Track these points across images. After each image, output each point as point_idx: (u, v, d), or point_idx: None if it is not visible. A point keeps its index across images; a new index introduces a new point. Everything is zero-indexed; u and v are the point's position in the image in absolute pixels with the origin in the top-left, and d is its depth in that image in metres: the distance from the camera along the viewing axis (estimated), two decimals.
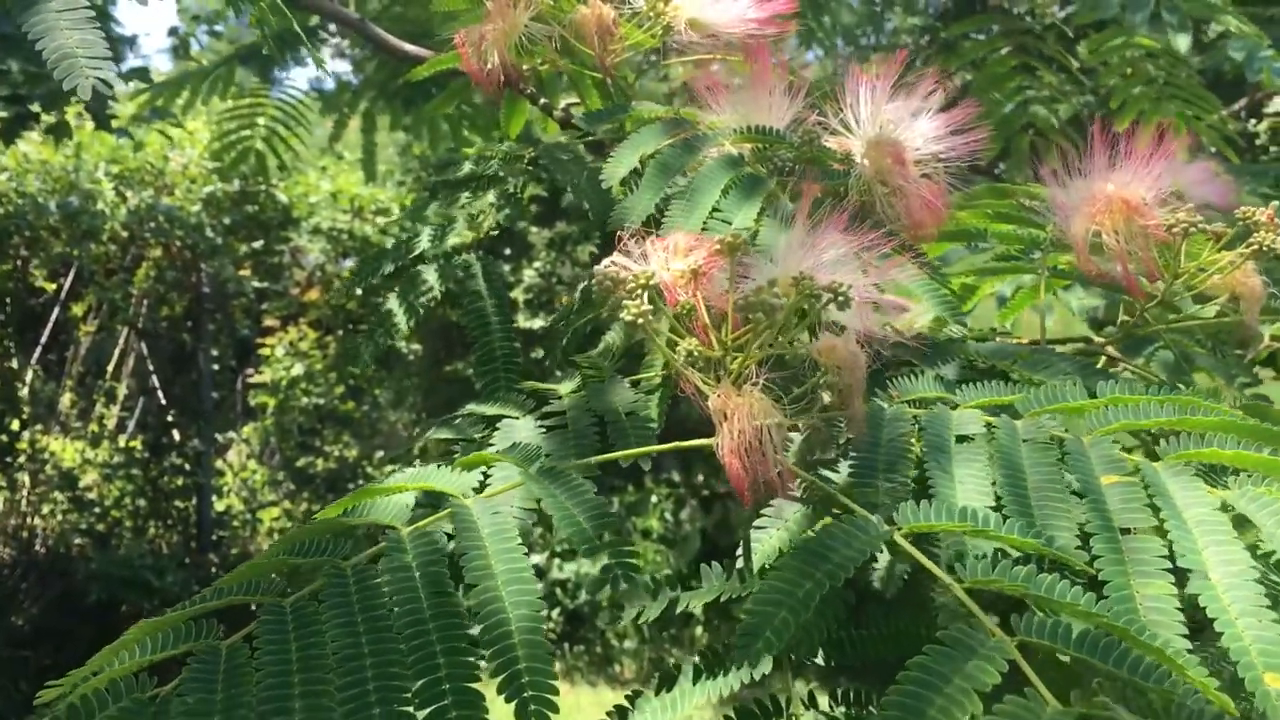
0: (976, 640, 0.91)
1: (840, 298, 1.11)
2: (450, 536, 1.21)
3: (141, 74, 5.98)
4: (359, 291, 10.01)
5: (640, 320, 1.15)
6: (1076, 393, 1.22)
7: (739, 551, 1.42)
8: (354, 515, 1.24)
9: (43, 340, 8.23)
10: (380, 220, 10.10)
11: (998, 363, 1.39)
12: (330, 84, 4.05)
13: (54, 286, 8.30)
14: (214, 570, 8.59)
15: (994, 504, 1.12)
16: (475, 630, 1.09)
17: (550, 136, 2.56)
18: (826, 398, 1.15)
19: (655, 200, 1.49)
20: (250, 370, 9.90)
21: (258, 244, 9.67)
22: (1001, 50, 3.84)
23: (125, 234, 8.38)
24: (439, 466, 1.30)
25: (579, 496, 1.18)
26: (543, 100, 2.16)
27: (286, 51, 3.40)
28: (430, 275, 1.93)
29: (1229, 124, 3.51)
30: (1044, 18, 4.04)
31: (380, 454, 10.22)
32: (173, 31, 9.60)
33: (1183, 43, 2.65)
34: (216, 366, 9.47)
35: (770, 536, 1.30)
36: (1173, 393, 1.25)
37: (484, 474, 1.29)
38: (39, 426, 8.05)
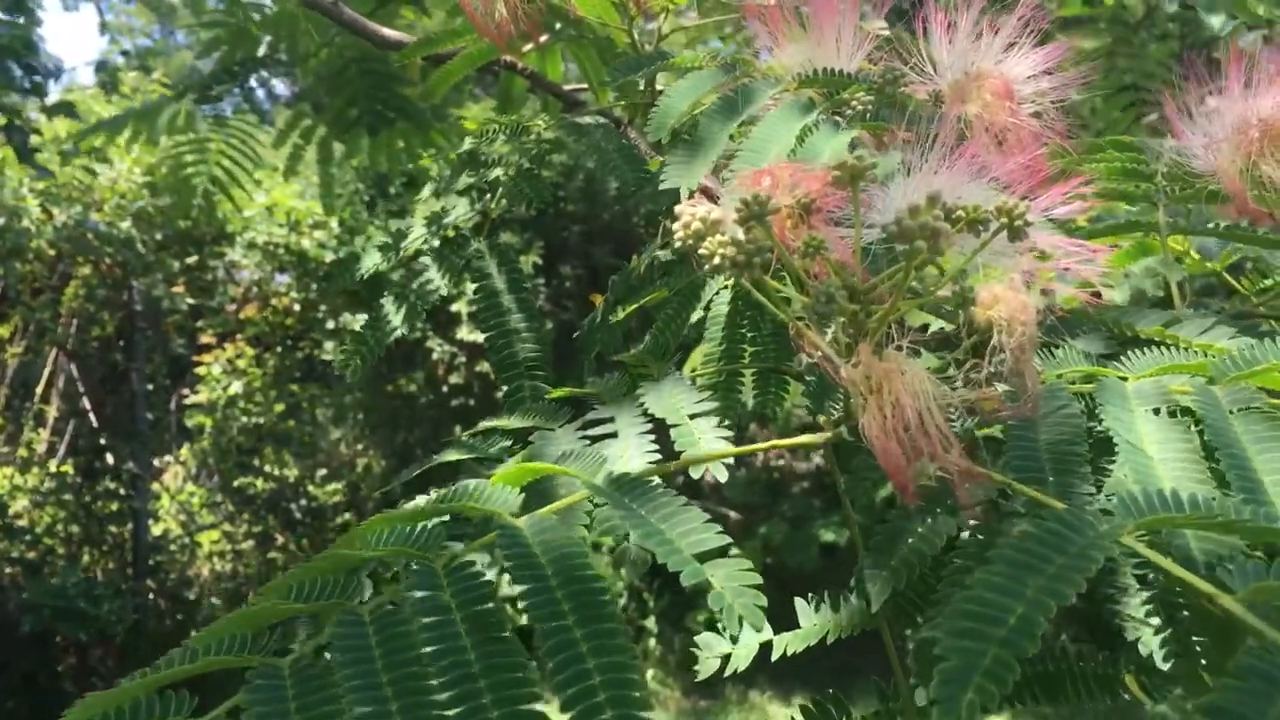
0: None
1: (1015, 220, 0.86)
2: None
3: (68, 109, 5.61)
4: (298, 307, 9.70)
5: (755, 260, 0.88)
6: (1278, 351, 0.97)
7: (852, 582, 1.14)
8: (368, 546, 0.95)
9: None
10: (318, 234, 9.75)
11: (1143, 330, 1.15)
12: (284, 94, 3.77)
13: None
14: (151, 597, 8.26)
15: (1215, 492, 0.88)
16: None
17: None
18: (985, 366, 0.89)
19: (714, 157, 1.22)
20: (185, 390, 9.52)
21: (191, 260, 9.32)
22: None
23: (53, 252, 8.04)
24: (467, 484, 1.03)
25: (667, 509, 0.91)
26: (546, 81, 1.89)
27: (274, 34, 3.11)
28: (431, 268, 1.64)
29: None
30: None
31: (322, 472, 9.89)
32: (101, 66, 9.26)
33: (1216, 20, 2.44)
34: (150, 386, 9.13)
35: (887, 561, 1.03)
36: None
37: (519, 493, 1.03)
38: None
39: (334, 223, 9.79)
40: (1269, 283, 1.54)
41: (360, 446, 10.42)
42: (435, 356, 9.67)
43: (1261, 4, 2.76)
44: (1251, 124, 1.20)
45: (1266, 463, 0.87)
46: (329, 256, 9.68)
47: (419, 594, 0.88)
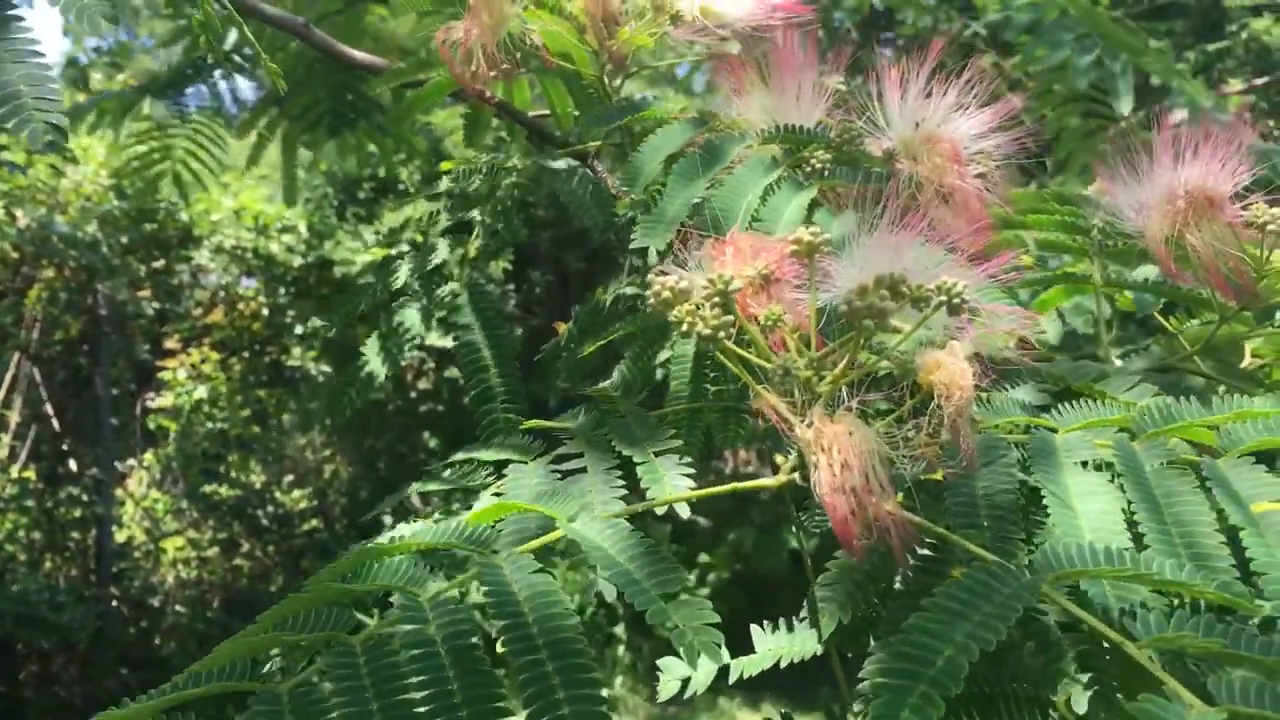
0: (1174, 713, 0.75)
1: (954, 299, 0.95)
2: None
3: None
4: (265, 311, 9.67)
5: (720, 334, 0.97)
6: (1193, 410, 1.08)
7: (803, 612, 1.23)
8: (354, 581, 1.03)
9: None
10: (286, 238, 9.72)
11: (1074, 383, 1.24)
12: (251, 98, 3.77)
13: None
14: (115, 604, 8.20)
15: (1130, 543, 0.97)
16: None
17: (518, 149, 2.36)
18: (926, 425, 0.98)
19: (683, 213, 1.31)
20: (150, 394, 9.45)
21: (157, 263, 9.25)
22: None
23: (15, 254, 7.96)
24: (449, 520, 1.11)
25: (634, 548, 1.00)
26: (513, 109, 1.96)
27: (224, 57, 3.13)
28: (412, 316, 1.75)
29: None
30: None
31: (289, 478, 9.86)
32: (72, 62, 9.18)
33: (1125, 104, 2.55)
34: (115, 391, 9.03)
35: (836, 594, 1.13)
36: None
37: (497, 529, 1.10)
38: None
39: (302, 226, 9.75)
40: (1195, 323, 1.65)
41: (327, 452, 10.39)
42: (403, 362, 9.65)
43: (1191, 84, 2.89)
44: (1178, 194, 1.29)
45: (1175, 516, 0.97)
46: (297, 261, 9.65)
47: (406, 627, 0.96)
